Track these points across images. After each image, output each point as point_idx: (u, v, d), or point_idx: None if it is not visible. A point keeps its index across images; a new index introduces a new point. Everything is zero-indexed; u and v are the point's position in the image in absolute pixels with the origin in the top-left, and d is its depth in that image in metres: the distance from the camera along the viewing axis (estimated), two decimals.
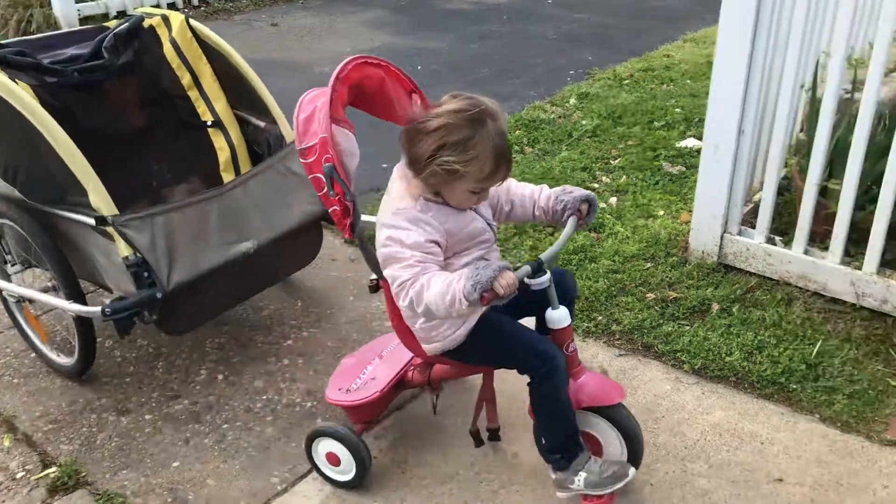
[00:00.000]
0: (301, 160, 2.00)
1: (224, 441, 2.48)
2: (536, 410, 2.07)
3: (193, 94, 2.95)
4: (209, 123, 2.95)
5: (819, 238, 2.97)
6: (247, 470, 2.37)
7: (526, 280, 1.91)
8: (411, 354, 2.26)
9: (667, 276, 3.13)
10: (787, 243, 2.98)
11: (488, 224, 2.05)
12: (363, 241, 2.04)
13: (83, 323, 2.56)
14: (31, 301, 2.78)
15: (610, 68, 5.75)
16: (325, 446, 2.24)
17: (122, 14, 7.69)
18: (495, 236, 2.09)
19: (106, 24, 3.01)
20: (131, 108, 2.91)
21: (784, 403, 2.54)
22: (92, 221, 2.38)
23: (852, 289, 2.84)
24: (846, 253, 2.87)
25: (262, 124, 2.92)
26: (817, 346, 2.73)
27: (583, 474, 2.04)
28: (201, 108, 2.96)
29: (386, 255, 1.90)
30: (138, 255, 2.33)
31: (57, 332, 2.95)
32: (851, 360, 2.68)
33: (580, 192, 2.10)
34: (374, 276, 2.12)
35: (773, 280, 3.03)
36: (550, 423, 2.06)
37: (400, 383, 2.32)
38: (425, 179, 1.89)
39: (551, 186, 2.17)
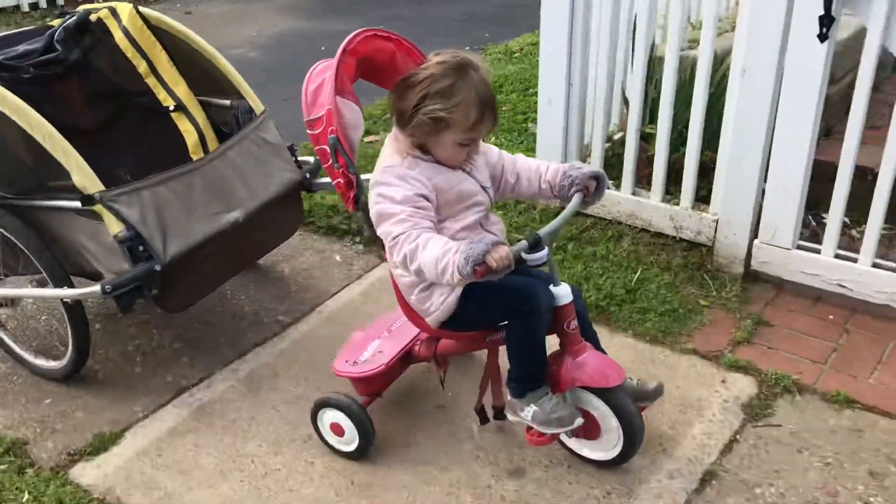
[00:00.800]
0: (308, 131, 2.00)
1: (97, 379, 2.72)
2: (509, 342, 2.09)
3: (151, 81, 2.92)
4: (171, 108, 2.91)
5: (645, 181, 3.29)
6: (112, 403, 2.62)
7: (523, 255, 1.88)
8: (418, 329, 2.28)
9: (514, 220, 3.45)
10: (618, 186, 3.30)
11: (482, 187, 2.05)
12: (367, 214, 2.00)
13: (75, 312, 2.52)
14: (11, 304, 2.78)
15: (503, 43, 6.05)
16: (330, 416, 2.30)
17: (34, 7, 7.78)
18: (491, 201, 2.09)
19: (51, 22, 2.96)
20: (91, 101, 2.88)
21: (604, 324, 2.85)
22: (76, 203, 2.34)
23: (671, 223, 3.18)
24: (666, 192, 3.20)
25: (226, 102, 2.91)
26: (637, 274, 3.06)
27: (533, 408, 2.09)
28: (161, 94, 2.92)
29: (378, 212, 1.92)
30: (131, 229, 2.32)
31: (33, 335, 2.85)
32: (667, 285, 3.01)
33: (589, 168, 2.10)
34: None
35: (607, 220, 3.36)
36: (519, 356, 2.09)
37: (407, 357, 2.36)
38: (412, 133, 1.91)
39: None
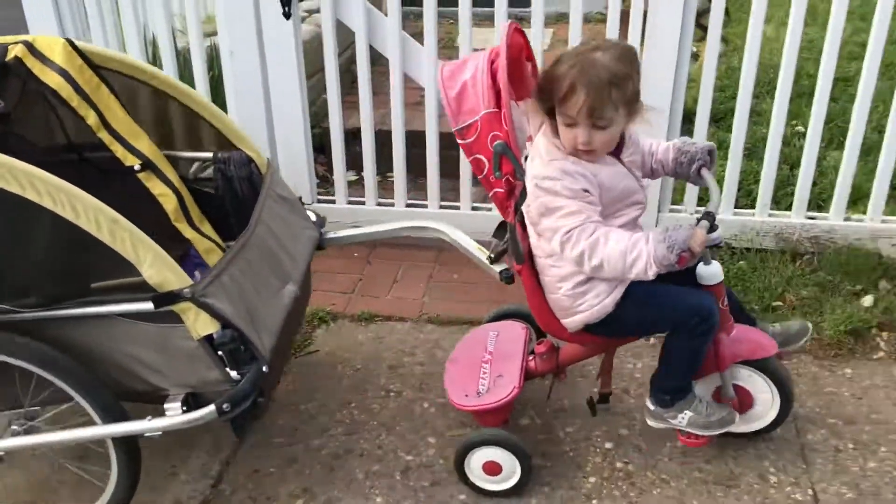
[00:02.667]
0: (459, 141, 1.86)
1: None
2: (671, 356, 2.05)
3: (104, 135, 2.32)
4: (137, 168, 2.35)
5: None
6: None
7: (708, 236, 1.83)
8: (522, 345, 2.24)
9: None
10: None
11: (640, 185, 1.97)
12: (515, 225, 1.93)
13: (128, 448, 1.99)
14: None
15: None
16: (480, 456, 2.13)
17: None
18: (646, 199, 2.00)
19: None
20: (37, 165, 2.08)
21: None
22: (145, 306, 1.81)
23: None
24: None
25: (206, 155, 2.39)
26: None
27: (689, 413, 2.09)
28: (119, 151, 2.33)
29: (543, 204, 1.83)
30: (229, 327, 1.83)
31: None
32: None
33: (702, 142, 2.06)
34: (504, 267, 2.09)
35: None
36: (682, 370, 2.06)
37: (525, 375, 2.23)
38: (582, 106, 1.73)
39: None
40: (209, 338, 1.82)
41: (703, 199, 3.14)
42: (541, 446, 2.31)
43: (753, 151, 3.47)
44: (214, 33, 3.31)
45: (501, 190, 1.88)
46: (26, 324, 1.85)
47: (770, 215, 3.07)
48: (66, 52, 2.21)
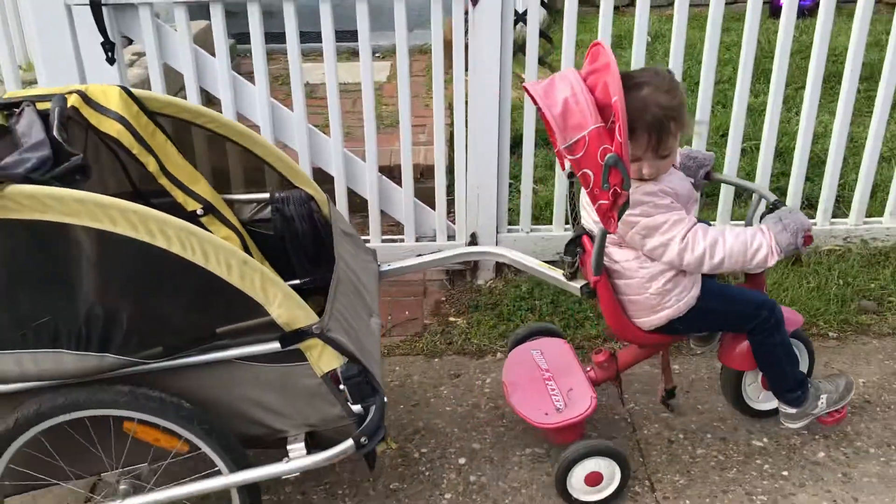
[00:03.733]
0: (568, 157, 1.89)
1: None
2: (768, 358, 2.21)
3: (165, 182, 2.26)
4: (200, 213, 2.29)
5: None
6: None
7: None
8: (574, 357, 2.36)
9: None
10: None
11: (692, 185, 2.19)
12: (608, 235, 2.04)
13: (251, 493, 1.94)
14: None
15: None
16: (582, 469, 2.17)
17: None
18: None
19: None
20: None
21: None
22: (272, 346, 1.78)
23: None
24: None
25: (263, 196, 2.38)
26: None
27: (824, 396, 2.29)
28: (180, 196, 2.28)
29: (644, 225, 1.99)
30: (353, 362, 1.83)
31: None
32: None
33: (705, 151, 2.37)
34: (585, 282, 2.16)
35: None
36: (785, 366, 2.23)
37: None
38: (647, 144, 1.94)
39: None
40: (331, 374, 1.83)
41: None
42: (397, 470, 2.36)
43: None
44: (35, 81, 3.19)
45: (606, 201, 1.89)
46: (145, 375, 1.79)
47: None
48: (122, 99, 2.20)
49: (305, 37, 2.99)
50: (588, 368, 2.33)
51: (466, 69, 2.94)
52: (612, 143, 1.82)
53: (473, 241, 3.19)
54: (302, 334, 1.79)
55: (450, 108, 3.25)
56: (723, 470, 2.32)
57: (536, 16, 2.96)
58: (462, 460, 2.39)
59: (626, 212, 1.91)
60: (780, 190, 3.42)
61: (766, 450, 2.36)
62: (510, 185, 3.39)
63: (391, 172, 3.41)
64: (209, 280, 1.70)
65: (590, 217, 2.12)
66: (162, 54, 2.94)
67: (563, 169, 2.14)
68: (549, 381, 2.30)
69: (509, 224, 3.29)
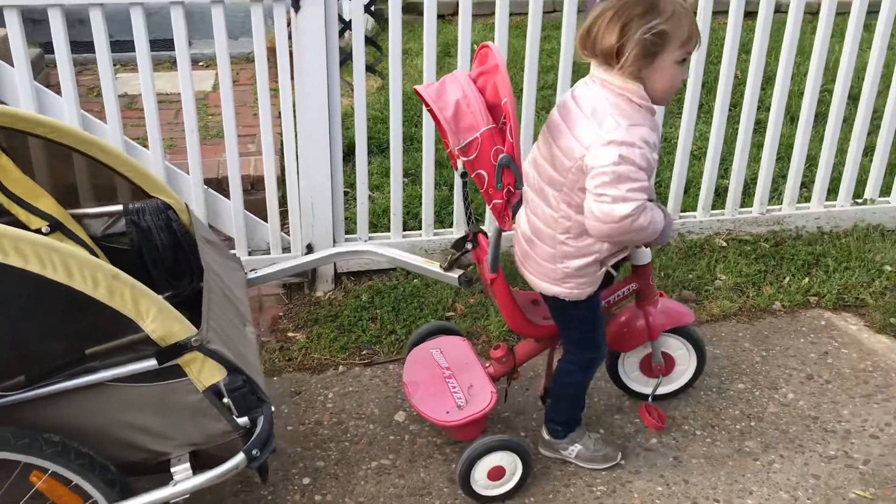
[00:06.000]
0: (462, 159, 1.91)
1: None
2: (561, 388, 2.29)
3: (3, 199, 2.08)
4: (45, 231, 2.09)
5: None
6: None
7: None
8: (472, 354, 2.38)
9: None
10: None
11: None
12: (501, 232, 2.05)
13: None
14: None
15: None
16: (486, 464, 2.20)
17: None
18: None
19: None
20: None
21: None
22: (148, 364, 1.67)
23: None
24: None
25: (116, 208, 2.20)
26: None
27: (578, 447, 2.33)
28: (22, 215, 2.10)
29: (620, 173, 1.84)
30: (235, 372, 1.74)
31: None
32: None
33: None
34: (461, 272, 2.23)
35: None
36: (571, 399, 2.30)
37: None
38: (632, 64, 1.84)
39: None
40: (212, 387, 1.71)
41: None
42: (239, 497, 2.25)
43: (417, 176, 3.71)
44: None
45: (501, 200, 1.89)
46: (7, 409, 1.61)
47: (435, 234, 3.30)
48: None
49: (125, 45, 2.81)
50: (487, 364, 2.35)
51: (293, 76, 2.87)
52: (504, 143, 1.84)
53: (310, 251, 3.11)
54: (180, 348, 1.68)
55: (279, 116, 3.16)
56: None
57: (362, 23, 2.93)
58: (306, 480, 2.32)
59: (617, 144, 1.84)
60: None
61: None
62: (346, 193, 3.35)
63: (220, 185, 3.27)
64: (74, 298, 1.56)
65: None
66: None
67: (456, 169, 2.13)
68: (449, 379, 2.30)
69: (347, 233, 3.24)
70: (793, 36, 3.20)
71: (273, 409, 1.82)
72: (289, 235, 3.15)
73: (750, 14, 3.15)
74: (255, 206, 3.17)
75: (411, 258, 2.35)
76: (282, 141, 3.09)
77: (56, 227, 2.14)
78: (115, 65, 2.83)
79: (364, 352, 2.86)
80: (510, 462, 2.22)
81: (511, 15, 3.00)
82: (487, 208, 2.17)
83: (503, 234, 2.08)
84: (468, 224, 2.26)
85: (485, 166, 1.87)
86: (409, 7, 3.66)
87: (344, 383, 2.71)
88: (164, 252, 2.22)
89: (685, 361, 2.57)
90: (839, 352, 2.89)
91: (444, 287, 3.14)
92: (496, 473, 2.22)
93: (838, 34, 3.38)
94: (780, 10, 3.18)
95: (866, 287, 3.21)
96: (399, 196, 3.19)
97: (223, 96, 2.86)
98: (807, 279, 3.25)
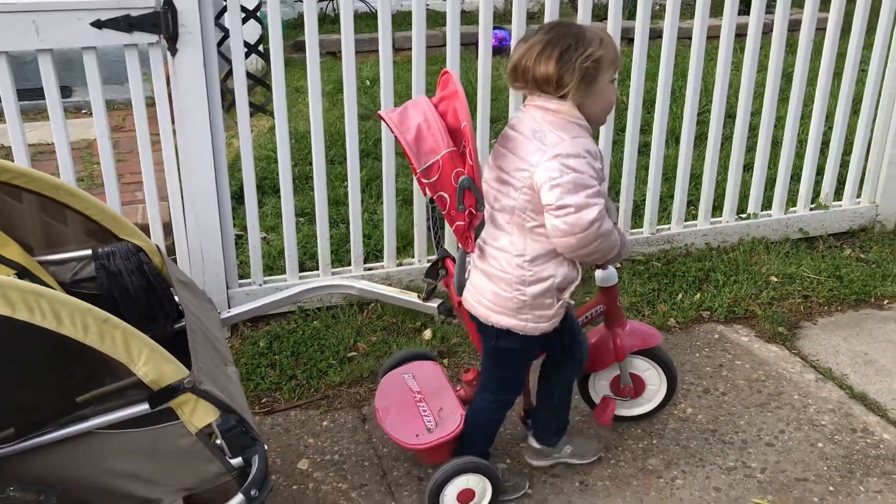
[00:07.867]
0: (423, 181, 1.95)
1: None
2: (560, 387, 2.31)
3: None
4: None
5: None
6: None
7: None
8: (444, 378, 2.40)
9: None
10: None
11: None
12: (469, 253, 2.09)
13: None
14: None
15: None
16: (455, 487, 2.19)
17: None
18: None
19: None
20: None
21: None
22: (140, 408, 1.59)
23: None
24: None
25: (85, 253, 2.10)
26: None
27: (568, 447, 2.41)
28: None
29: (573, 181, 1.88)
30: (228, 413, 1.66)
31: None
32: None
33: None
34: (441, 301, 2.30)
35: None
36: (563, 404, 2.35)
37: None
38: (576, 92, 1.90)
39: None
40: (205, 429, 1.65)
41: None
42: None
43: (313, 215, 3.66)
44: None
45: (463, 222, 1.95)
46: None
47: (334, 274, 3.25)
48: None
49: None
50: (458, 388, 2.37)
51: (173, 121, 2.79)
52: (465, 166, 1.89)
53: None
54: (173, 391, 1.61)
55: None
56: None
57: (241, 62, 2.89)
58: None
59: (563, 157, 1.89)
60: None
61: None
62: (240, 237, 3.27)
63: None
64: (64, 345, 1.50)
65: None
66: None
67: (425, 195, 2.16)
68: (420, 403, 2.32)
69: (241, 278, 3.16)
70: (668, 61, 3.33)
71: (266, 447, 1.78)
72: None
73: (628, 41, 3.26)
74: None
75: (387, 290, 2.38)
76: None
77: (23, 274, 2.04)
78: None
79: (264, 400, 2.78)
80: (479, 484, 2.22)
81: (395, 49, 3.01)
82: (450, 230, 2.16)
83: (468, 256, 2.13)
84: (437, 249, 2.31)
85: (446, 189, 1.92)
86: (299, 46, 3.64)
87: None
88: (137, 295, 2.14)
89: (655, 381, 2.59)
90: (733, 363, 2.98)
91: (344, 327, 3.09)
92: (465, 497, 2.22)
93: (714, 56, 3.52)
94: (657, 36, 3.30)
95: (755, 298, 3.33)
96: (293, 236, 3.13)
97: (100, 144, 2.78)
98: (698, 294, 3.35)
